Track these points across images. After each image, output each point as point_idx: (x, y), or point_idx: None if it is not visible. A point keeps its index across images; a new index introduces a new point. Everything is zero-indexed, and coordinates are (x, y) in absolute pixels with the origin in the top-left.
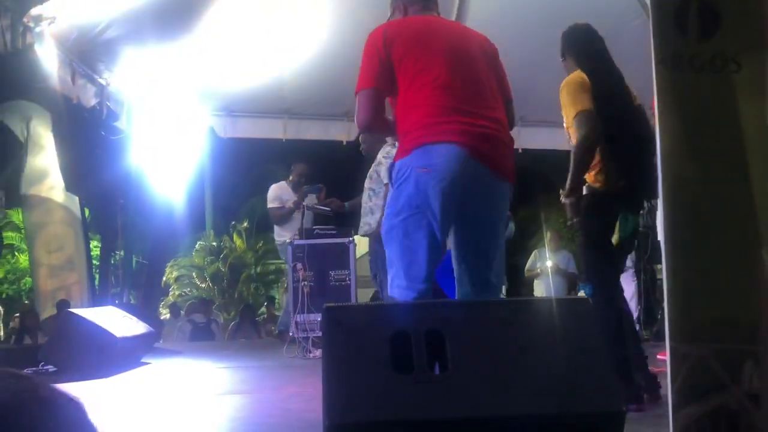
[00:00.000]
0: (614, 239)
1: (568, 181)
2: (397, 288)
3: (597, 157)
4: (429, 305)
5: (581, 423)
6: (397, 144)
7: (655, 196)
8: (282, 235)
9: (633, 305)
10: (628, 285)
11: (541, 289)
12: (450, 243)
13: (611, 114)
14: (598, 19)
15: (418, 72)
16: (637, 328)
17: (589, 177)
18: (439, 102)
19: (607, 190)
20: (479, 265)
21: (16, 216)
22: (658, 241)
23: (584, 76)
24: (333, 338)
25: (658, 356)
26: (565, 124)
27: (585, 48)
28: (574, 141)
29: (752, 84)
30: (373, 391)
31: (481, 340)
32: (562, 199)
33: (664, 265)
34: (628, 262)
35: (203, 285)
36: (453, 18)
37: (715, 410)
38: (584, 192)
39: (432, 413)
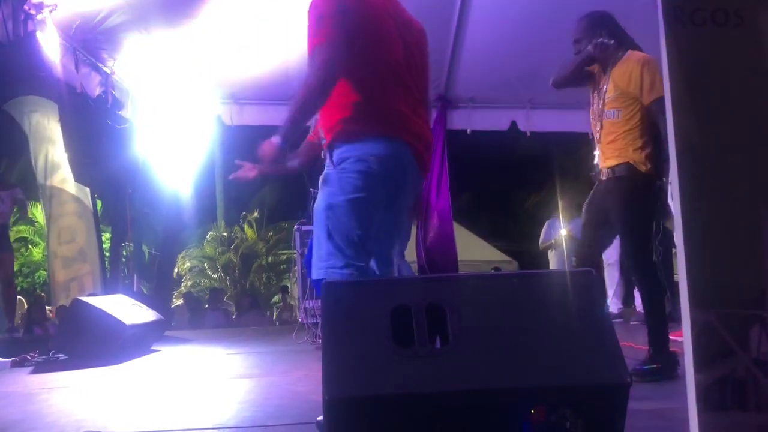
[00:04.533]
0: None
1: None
2: (330, 269)
3: (646, 141)
4: (430, 279)
5: (584, 395)
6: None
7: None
8: None
9: None
10: None
11: (555, 261)
12: None
13: None
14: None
15: (372, 50)
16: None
17: (639, 159)
18: (390, 93)
19: (654, 175)
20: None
21: (36, 212)
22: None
23: None
24: (333, 313)
25: (671, 336)
26: (619, 92)
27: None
28: (618, 114)
29: (755, 38)
30: (372, 366)
31: (483, 313)
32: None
33: (676, 233)
34: None
35: (215, 275)
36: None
37: (722, 377)
38: (627, 174)
39: (432, 386)
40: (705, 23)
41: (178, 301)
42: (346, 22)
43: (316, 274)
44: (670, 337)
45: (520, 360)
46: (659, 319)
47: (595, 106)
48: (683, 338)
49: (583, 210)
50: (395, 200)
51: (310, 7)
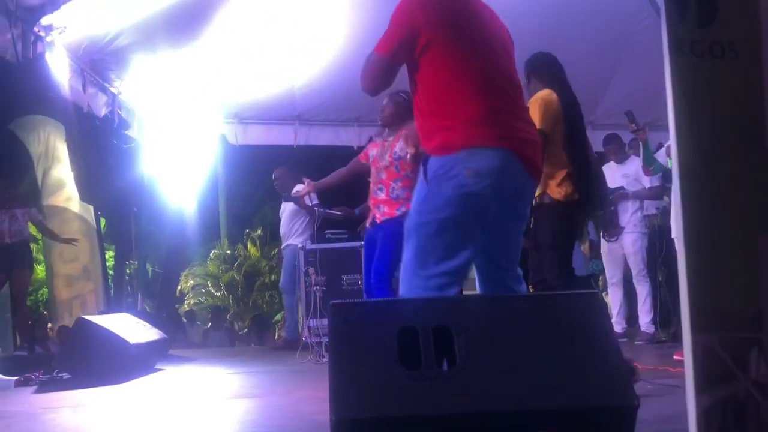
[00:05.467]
0: (584, 247)
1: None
2: (418, 288)
3: (557, 170)
4: (437, 301)
5: (592, 417)
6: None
7: (602, 207)
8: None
9: (647, 307)
10: (642, 287)
11: None
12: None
13: (573, 133)
14: (609, 18)
15: (462, 57)
16: (653, 330)
17: (551, 189)
18: (489, 99)
19: (567, 201)
20: (506, 268)
21: (33, 227)
22: (672, 239)
23: (554, 95)
24: (340, 334)
25: (675, 356)
26: None
27: (551, 71)
28: None
29: (750, 72)
30: (380, 387)
31: (490, 335)
32: None
33: (679, 257)
34: (641, 264)
35: (218, 293)
36: None
37: (722, 401)
38: (546, 201)
39: (440, 408)
40: (704, 54)
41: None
42: (404, 30)
43: (403, 290)
44: (675, 357)
45: (526, 382)
46: None
47: None
48: (684, 361)
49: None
50: (502, 211)
51: (397, 5)
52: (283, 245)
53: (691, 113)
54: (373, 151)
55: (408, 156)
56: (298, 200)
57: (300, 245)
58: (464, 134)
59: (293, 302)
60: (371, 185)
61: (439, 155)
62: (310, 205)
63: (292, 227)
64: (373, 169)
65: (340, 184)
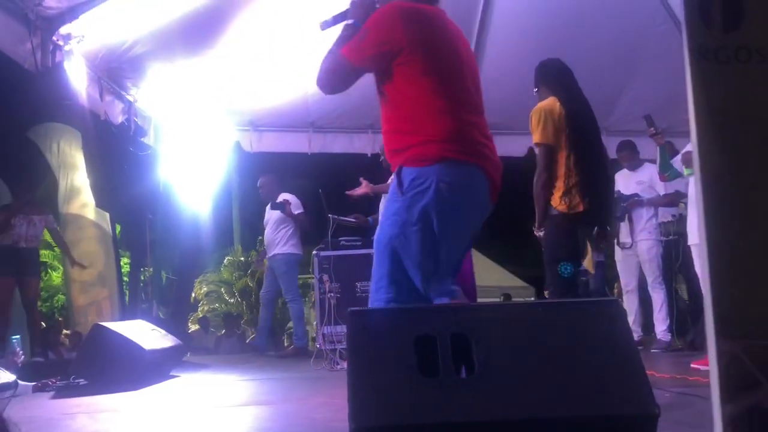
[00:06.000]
0: (586, 261)
1: (537, 215)
2: (385, 303)
3: (561, 181)
4: (454, 308)
5: (612, 426)
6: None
7: (612, 220)
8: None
9: (663, 315)
10: (658, 294)
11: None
12: None
13: (581, 142)
14: (624, 25)
15: (437, 74)
16: (669, 338)
17: (554, 200)
18: (461, 116)
19: (570, 212)
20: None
21: (49, 235)
22: (689, 247)
23: (558, 104)
24: (358, 342)
25: (692, 365)
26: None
27: (558, 78)
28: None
29: None
30: (398, 395)
31: (508, 342)
32: (536, 233)
33: (700, 263)
34: (656, 271)
35: (232, 300)
36: (477, 20)
37: (748, 409)
38: (552, 213)
39: (458, 416)
40: (729, 61)
41: (194, 326)
42: (378, 42)
43: (375, 304)
44: (692, 365)
45: (546, 390)
46: None
47: None
48: (710, 369)
49: None
50: (466, 224)
51: (375, 13)
52: (270, 254)
53: (716, 121)
54: None
55: None
56: (284, 208)
57: (314, 252)
58: (438, 147)
59: (300, 310)
60: None
61: (413, 166)
62: (295, 213)
63: (277, 236)
64: None
65: None
